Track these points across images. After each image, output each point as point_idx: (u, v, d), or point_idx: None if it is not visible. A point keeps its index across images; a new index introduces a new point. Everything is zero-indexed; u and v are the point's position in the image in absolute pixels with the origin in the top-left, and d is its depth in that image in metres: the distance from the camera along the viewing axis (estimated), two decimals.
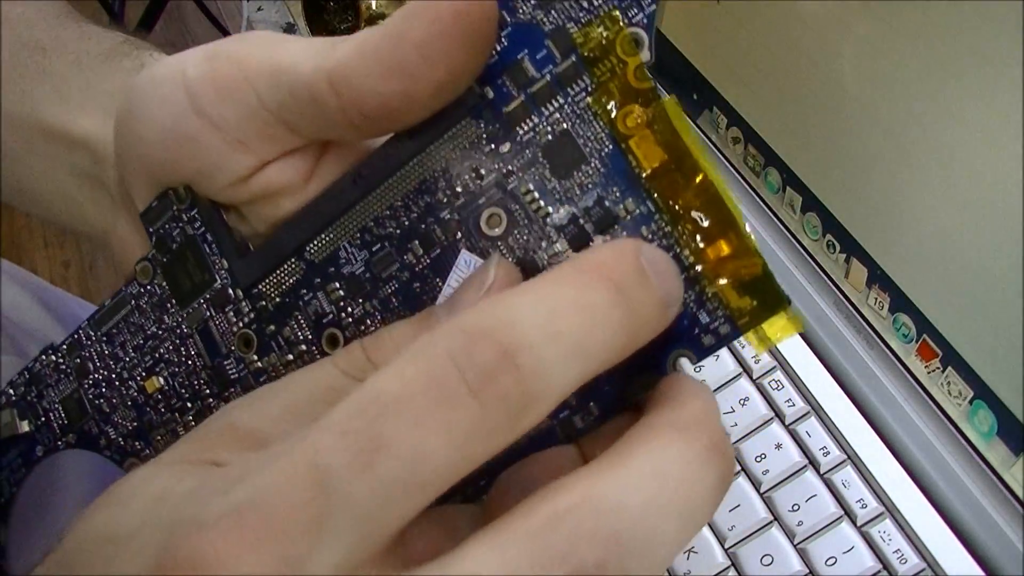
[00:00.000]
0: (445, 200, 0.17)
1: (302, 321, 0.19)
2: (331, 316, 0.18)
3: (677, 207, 0.16)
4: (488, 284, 0.16)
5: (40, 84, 0.24)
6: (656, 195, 0.16)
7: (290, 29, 0.59)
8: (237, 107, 0.18)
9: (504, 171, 0.17)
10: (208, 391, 0.20)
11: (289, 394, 0.16)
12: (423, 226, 0.18)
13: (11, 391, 0.22)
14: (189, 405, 0.20)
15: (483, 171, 0.17)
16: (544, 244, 0.17)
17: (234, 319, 0.19)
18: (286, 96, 0.17)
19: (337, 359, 0.17)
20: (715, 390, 0.36)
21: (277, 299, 0.19)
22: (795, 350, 0.36)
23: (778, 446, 0.34)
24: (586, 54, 0.16)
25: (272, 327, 0.19)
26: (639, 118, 0.16)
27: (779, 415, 0.35)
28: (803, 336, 0.37)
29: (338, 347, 0.18)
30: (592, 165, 0.16)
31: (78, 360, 0.21)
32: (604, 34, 0.16)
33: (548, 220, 0.17)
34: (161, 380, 0.20)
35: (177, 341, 0.20)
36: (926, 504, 0.32)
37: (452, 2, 0.15)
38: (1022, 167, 0.26)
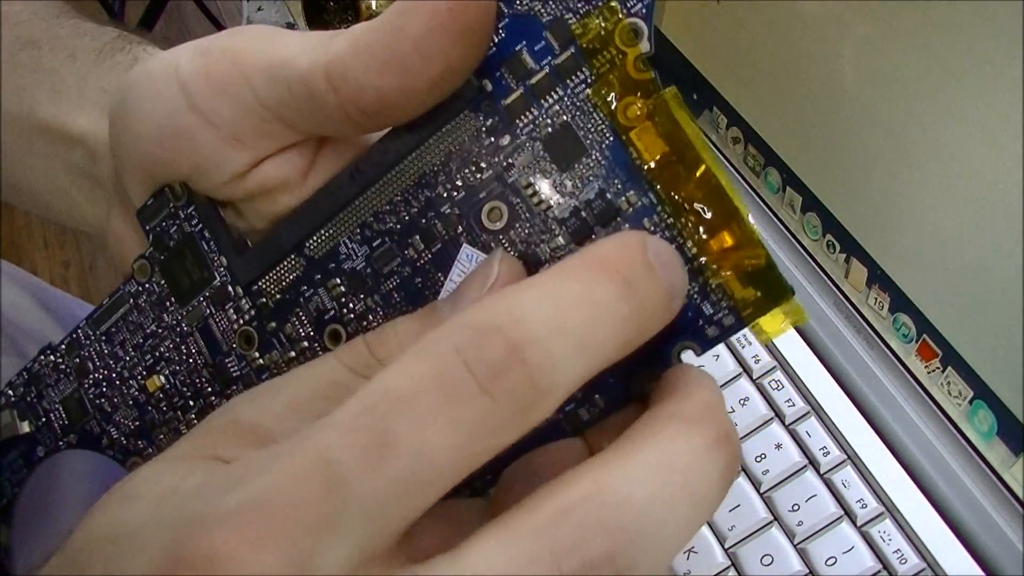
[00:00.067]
0: (445, 194, 0.17)
1: (303, 318, 0.19)
2: (333, 312, 0.18)
3: (679, 199, 0.16)
4: (492, 279, 0.16)
5: (35, 81, 0.24)
6: (658, 187, 0.16)
7: (290, 29, 0.59)
8: (232, 103, 0.18)
9: (504, 164, 0.17)
10: (210, 389, 0.20)
11: (292, 389, 0.16)
12: (423, 221, 0.18)
13: (10, 392, 0.22)
14: (191, 403, 0.20)
15: (483, 165, 0.17)
16: (546, 237, 0.17)
17: (234, 316, 0.19)
18: (283, 92, 0.17)
19: (341, 354, 0.17)
20: None
21: (277, 296, 0.19)
22: (795, 350, 0.36)
23: (778, 446, 0.34)
24: (585, 45, 0.16)
25: (273, 324, 0.19)
26: (640, 109, 0.16)
27: (779, 415, 0.35)
28: (803, 336, 0.37)
29: (340, 343, 0.18)
30: (593, 157, 0.16)
31: (77, 360, 0.21)
32: (603, 25, 0.16)
33: (549, 213, 0.17)
34: (162, 379, 0.20)
35: (177, 339, 0.20)
36: (926, 504, 0.32)
37: None
38: (1022, 167, 0.26)
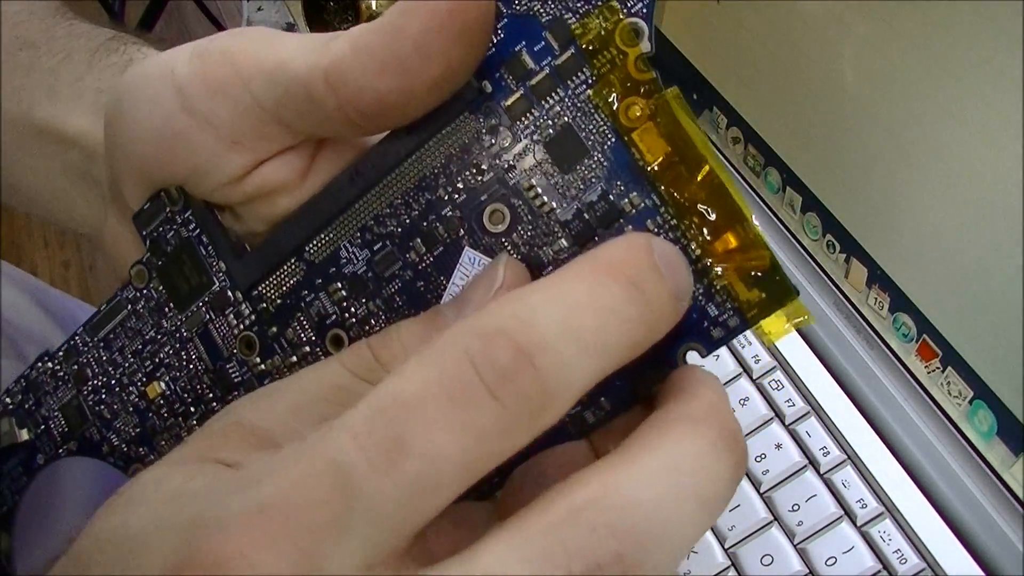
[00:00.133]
0: (446, 197, 0.17)
1: (304, 322, 0.18)
2: (334, 317, 0.18)
3: (683, 200, 0.16)
4: (498, 283, 0.16)
5: (32, 82, 0.24)
6: (661, 188, 0.16)
7: (290, 29, 0.59)
8: (229, 105, 0.18)
9: (505, 166, 0.17)
10: (211, 395, 0.20)
11: (295, 393, 0.16)
12: (425, 224, 0.17)
13: (8, 400, 0.22)
14: (192, 409, 0.20)
15: (484, 167, 0.17)
16: (549, 240, 0.17)
17: (234, 322, 0.19)
18: (281, 94, 0.17)
19: (344, 358, 0.17)
20: None
21: (278, 301, 0.19)
22: (795, 350, 0.36)
23: (778, 446, 0.34)
24: (585, 45, 0.16)
25: (274, 329, 0.19)
26: (642, 110, 0.16)
27: (779, 415, 0.35)
28: (803, 336, 0.37)
29: (343, 348, 0.18)
30: (595, 159, 0.16)
31: (75, 367, 0.21)
32: (603, 25, 0.16)
33: (552, 216, 0.17)
34: (162, 385, 0.20)
35: (177, 345, 0.20)
36: (926, 504, 0.32)
37: None
38: (1022, 167, 0.26)
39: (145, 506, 0.14)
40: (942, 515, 0.32)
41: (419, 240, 0.18)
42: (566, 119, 0.16)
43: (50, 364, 0.22)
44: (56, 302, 0.45)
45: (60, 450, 0.21)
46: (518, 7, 0.17)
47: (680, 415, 0.14)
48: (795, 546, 0.32)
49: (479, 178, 0.17)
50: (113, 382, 0.21)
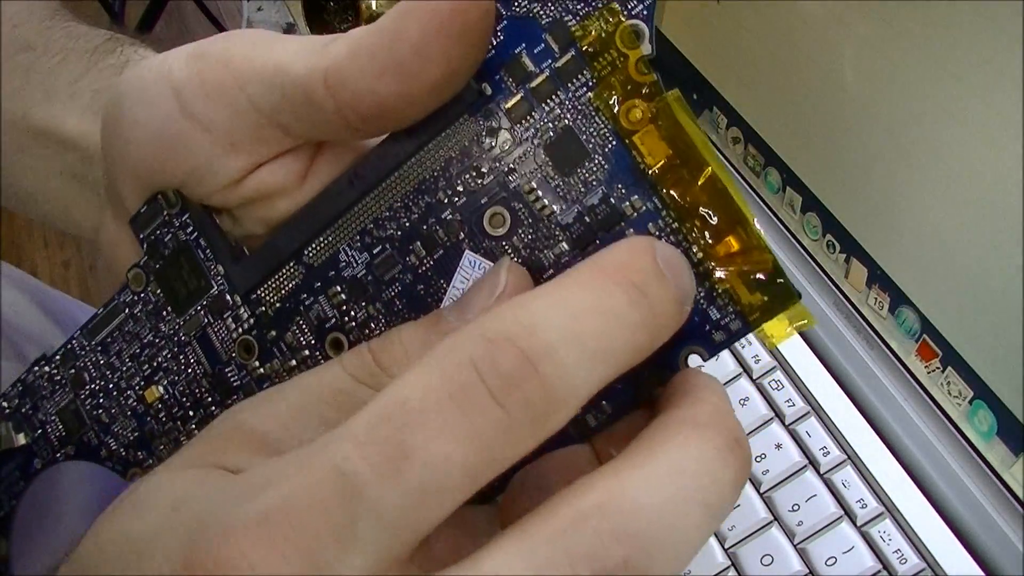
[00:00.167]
0: (446, 200, 0.17)
1: (304, 326, 0.18)
2: (334, 320, 0.18)
3: (684, 203, 0.16)
4: (500, 288, 0.16)
5: (30, 83, 0.24)
6: (662, 191, 0.16)
7: (290, 29, 0.59)
8: (227, 108, 0.18)
9: (506, 169, 0.17)
10: (210, 399, 0.19)
11: (296, 397, 0.16)
12: (424, 227, 0.17)
13: (4, 404, 0.22)
14: (191, 413, 0.20)
15: (484, 169, 0.17)
16: (549, 243, 0.17)
17: (233, 325, 0.19)
18: (279, 97, 0.17)
19: (345, 362, 0.17)
20: None
21: (277, 304, 0.18)
22: (795, 350, 0.36)
23: (778, 446, 0.34)
24: (585, 48, 0.16)
25: (273, 333, 0.19)
26: (642, 113, 0.16)
27: (779, 415, 0.35)
28: (803, 336, 0.37)
29: (342, 351, 0.18)
30: (596, 162, 0.16)
31: (73, 371, 0.21)
32: (603, 27, 0.16)
33: (553, 219, 0.17)
34: (161, 389, 0.20)
35: (175, 349, 0.20)
36: (926, 504, 0.32)
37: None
38: (1022, 167, 0.26)
39: (148, 512, 0.14)
40: (942, 515, 0.32)
41: (419, 243, 0.18)
42: (567, 122, 0.16)
43: (47, 368, 0.21)
44: (56, 303, 0.45)
45: (58, 454, 0.21)
46: (518, 9, 0.16)
47: (685, 420, 0.14)
48: (795, 546, 0.32)
49: (479, 181, 0.17)
50: (111, 386, 0.21)
